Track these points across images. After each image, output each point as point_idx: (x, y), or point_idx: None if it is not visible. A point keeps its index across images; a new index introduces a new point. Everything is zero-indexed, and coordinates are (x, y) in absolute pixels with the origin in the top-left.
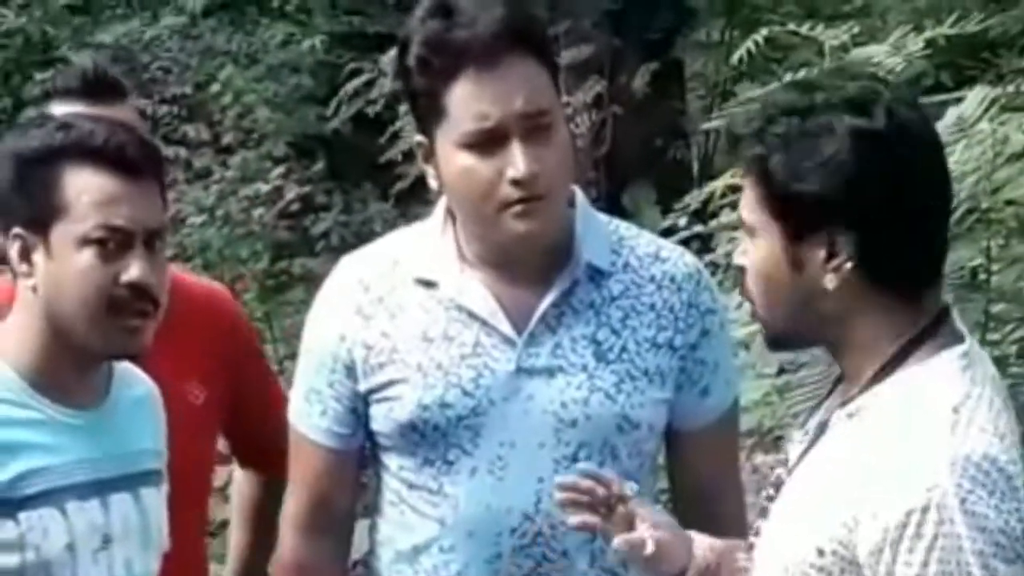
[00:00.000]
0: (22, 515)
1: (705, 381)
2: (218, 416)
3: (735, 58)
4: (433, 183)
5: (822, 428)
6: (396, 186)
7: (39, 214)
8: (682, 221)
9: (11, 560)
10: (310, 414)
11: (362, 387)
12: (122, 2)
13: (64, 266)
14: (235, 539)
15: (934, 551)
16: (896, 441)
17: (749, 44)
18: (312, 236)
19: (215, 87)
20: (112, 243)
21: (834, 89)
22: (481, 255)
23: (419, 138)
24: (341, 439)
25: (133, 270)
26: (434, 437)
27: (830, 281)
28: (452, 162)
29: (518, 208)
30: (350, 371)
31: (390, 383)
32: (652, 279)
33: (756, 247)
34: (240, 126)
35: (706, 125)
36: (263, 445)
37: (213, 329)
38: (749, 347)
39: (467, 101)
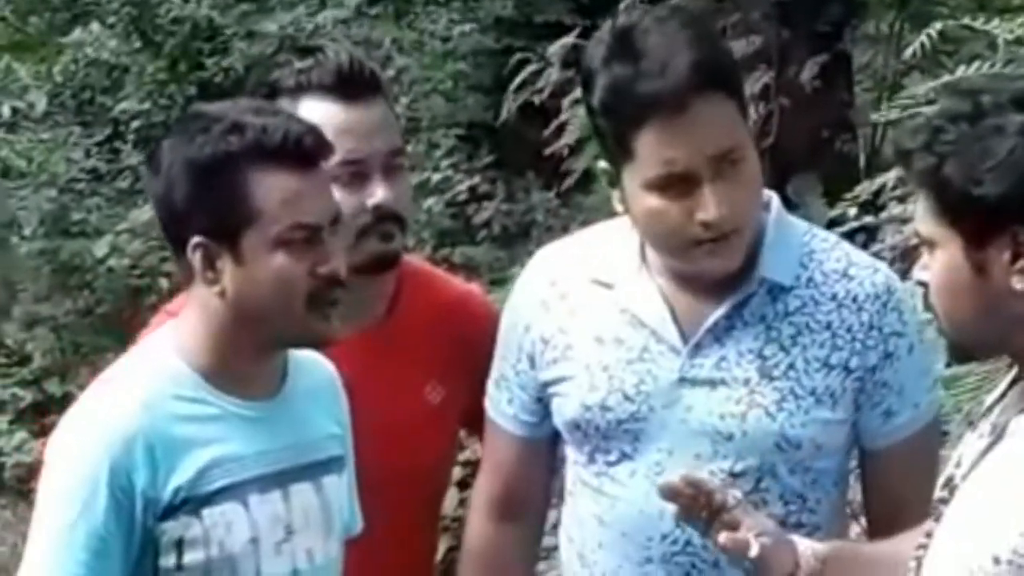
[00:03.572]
0: (205, 511)
1: (888, 403)
2: (456, 415)
3: (907, 53)
4: (618, 207)
5: (1000, 432)
6: (561, 180)
7: (225, 222)
8: (852, 211)
9: (197, 556)
10: (499, 400)
11: (541, 378)
12: None
13: (259, 269)
14: None
15: None
16: None
17: (923, 38)
18: (474, 224)
19: (386, 75)
20: (303, 240)
21: (996, 91)
22: (662, 263)
23: (604, 165)
24: (528, 427)
25: (329, 262)
26: (596, 437)
27: (1018, 282)
28: (640, 201)
29: (708, 247)
30: (532, 361)
31: (561, 379)
32: (834, 297)
33: (936, 260)
34: (410, 115)
35: (875, 116)
36: None
37: (461, 334)
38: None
39: (655, 147)
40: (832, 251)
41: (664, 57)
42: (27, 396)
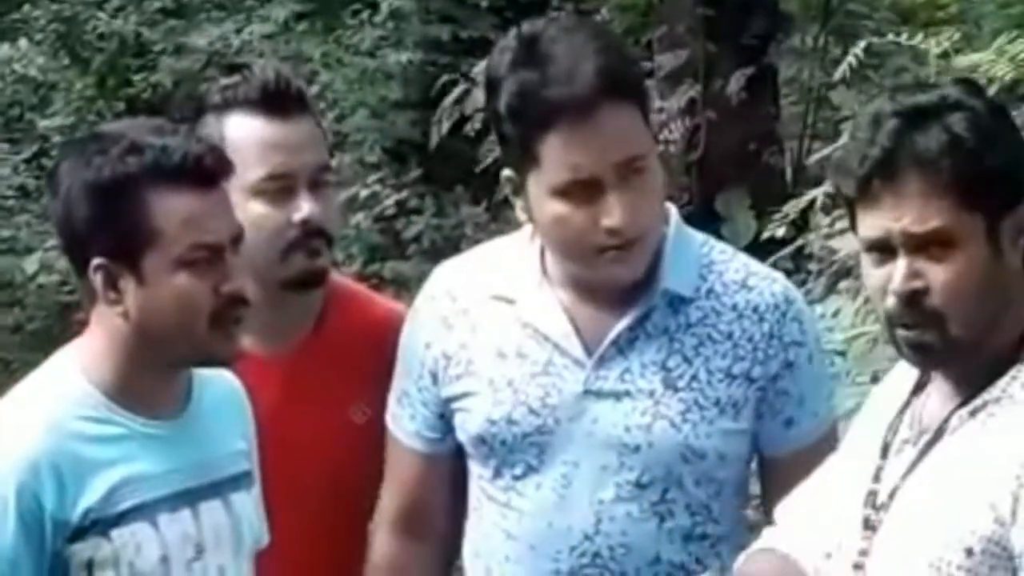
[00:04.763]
0: (115, 532)
1: (789, 412)
2: (383, 434)
3: (838, 72)
4: (522, 216)
5: (939, 431)
6: (491, 194)
7: (126, 244)
8: (780, 232)
9: None
10: (401, 416)
11: (443, 394)
12: (215, 5)
13: (160, 290)
14: None
15: None
16: None
17: (850, 57)
18: (404, 240)
19: (312, 91)
20: (205, 260)
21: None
22: (564, 275)
23: (508, 173)
24: (430, 443)
25: (231, 281)
26: (502, 451)
27: (1014, 258)
28: (544, 208)
29: (612, 254)
30: (435, 378)
31: (464, 395)
32: (734, 307)
33: (953, 257)
34: (335, 130)
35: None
36: None
37: (388, 352)
38: (846, 355)
39: (561, 152)
40: (731, 262)
41: (571, 64)
42: None
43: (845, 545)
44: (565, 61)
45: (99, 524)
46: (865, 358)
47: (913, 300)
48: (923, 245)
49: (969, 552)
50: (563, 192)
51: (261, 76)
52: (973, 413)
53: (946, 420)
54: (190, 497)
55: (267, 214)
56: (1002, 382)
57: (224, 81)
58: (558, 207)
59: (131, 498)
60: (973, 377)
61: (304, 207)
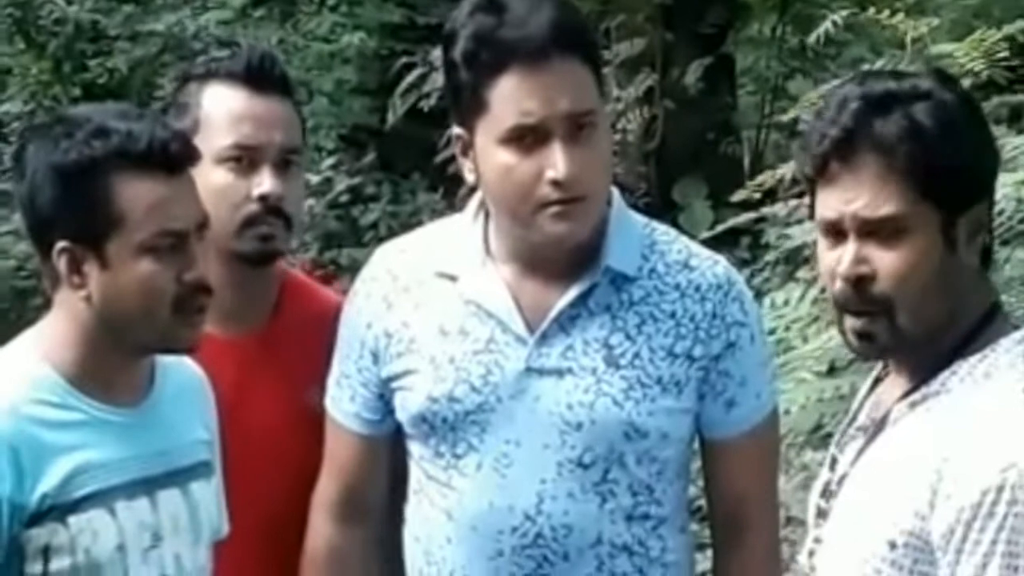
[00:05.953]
0: (72, 518)
1: (730, 393)
2: None
3: (812, 38)
4: (469, 177)
5: (880, 423)
6: (447, 181)
7: (90, 228)
8: (740, 218)
9: (63, 563)
10: (340, 399)
11: (383, 374)
12: None
13: (124, 275)
14: None
15: (1003, 530)
16: (968, 424)
17: (812, 37)
18: (361, 226)
19: None
20: (169, 246)
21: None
22: (507, 251)
23: (458, 131)
24: (370, 424)
25: (195, 269)
26: (443, 430)
27: (972, 257)
28: (491, 158)
29: (555, 209)
30: (375, 357)
31: (405, 373)
32: (677, 287)
33: (904, 244)
34: None
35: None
36: None
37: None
38: (805, 341)
39: (511, 97)
40: (673, 243)
41: (527, 12)
42: None
43: (810, 534)
44: (521, 9)
45: (56, 510)
46: (822, 347)
47: (859, 285)
48: (874, 231)
49: (892, 545)
50: (510, 139)
51: (248, 52)
52: (912, 406)
53: (888, 411)
54: (148, 485)
55: (229, 184)
56: (943, 375)
57: (213, 53)
58: (504, 156)
59: (89, 484)
60: (922, 370)
61: (265, 183)
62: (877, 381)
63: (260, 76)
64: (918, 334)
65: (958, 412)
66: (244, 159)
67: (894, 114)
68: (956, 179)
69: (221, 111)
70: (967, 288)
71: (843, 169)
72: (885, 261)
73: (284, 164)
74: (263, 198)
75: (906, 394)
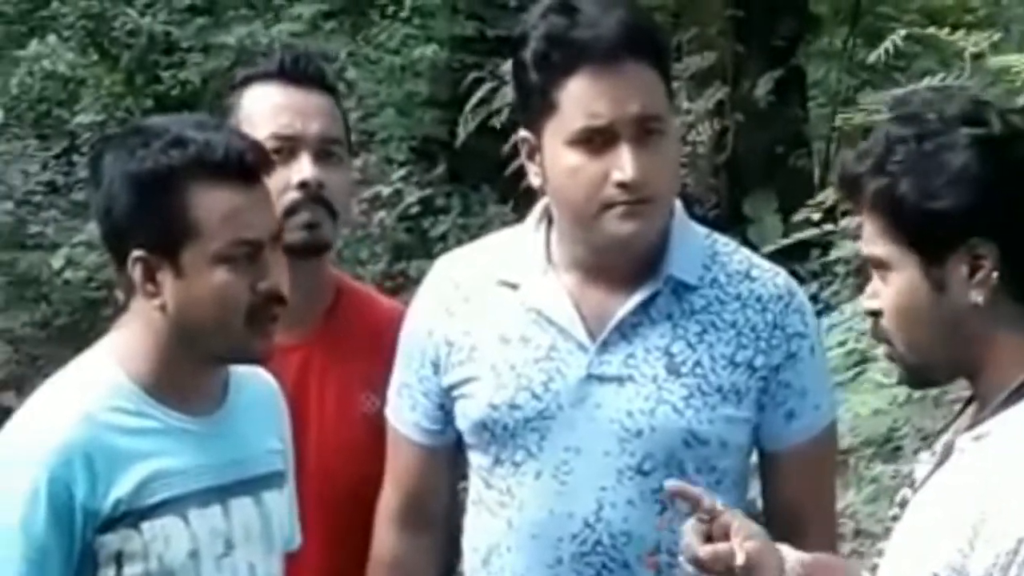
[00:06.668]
0: (145, 525)
1: (790, 404)
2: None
3: (872, 56)
4: (535, 180)
5: (948, 451)
6: (517, 193)
7: (165, 237)
8: (810, 232)
9: (136, 570)
10: (401, 408)
11: (444, 383)
12: (244, 3)
13: (199, 284)
14: None
15: None
16: (1016, 468)
17: (879, 51)
18: (430, 238)
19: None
20: (244, 255)
21: (940, 110)
22: (569, 258)
23: (524, 134)
24: (431, 435)
25: (269, 278)
26: (503, 437)
27: (976, 295)
28: (558, 159)
29: (620, 209)
30: (436, 366)
31: (466, 381)
32: (738, 297)
33: (891, 282)
34: (362, 129)
35: (838, 122)
36: None
37: (391, 344)
38: (870, 358)
39: (581, 98)
40: (734, 254)
41: (599, 14)
42: None
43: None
44: (594, 11)
45: (129, 516)
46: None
47: (874, 316)
48: (875, 267)
49: None
50: (578, 141)
51: (282, 52)
52: (977, 439)
53: (954, 441)
54: (221, 493)
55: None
56: (1007, 413)
57: (243, 71)
58: (572, 157)
59: (162, 491)
60: (989, 404)
61: (305, 169)
62: (969, 402)
63: (295, 71)
64: (916, 365)
65: (1009, 453)
66: (283, 149)
67: (883, 171)
68: (931, 222)
69: (259, 107)
70: (973, 326)
71: (855, 208)
72: (880, 296)
73: (325, 154)
74: (303, 184)
75: (972, 426)
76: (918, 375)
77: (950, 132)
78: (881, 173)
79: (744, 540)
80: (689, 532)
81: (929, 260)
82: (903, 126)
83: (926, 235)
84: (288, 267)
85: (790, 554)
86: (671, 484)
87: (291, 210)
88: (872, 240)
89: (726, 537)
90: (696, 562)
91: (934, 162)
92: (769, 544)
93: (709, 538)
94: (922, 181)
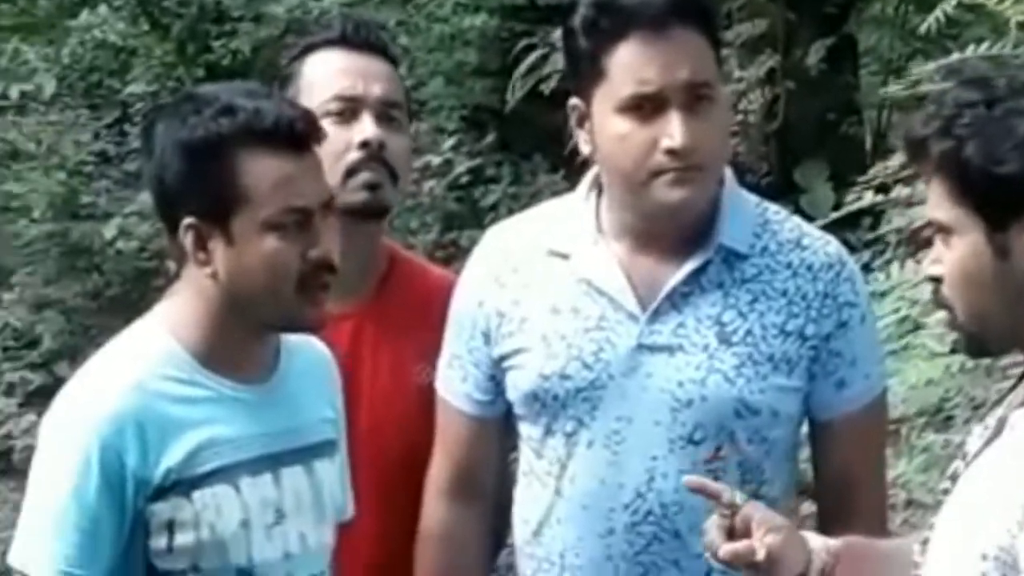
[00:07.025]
0: (196, 494)
1: (841, 373)
2: None
3: (924, 26)
4: (585, 148)
5: (1001, 426)
6: (568, 162)
7: (216, 204)
8: (866, 196)
9: (187, 538)
10: (452, 379)
11: (495, 354)
12: None
13: (249, 252)
14: None
15: None
16: None
17: (930, 19)
18: (481, 208)
19: None
20: (294, 223)
21: (1009, 76)
22: (619, 227)
23: (574, 101)
24: (481, 406)
25: (320, 246)
26: (554, 407)
27: None
28: (608, 126)
29: (670, 176)
30: (487, 337)
31: (517, 351)
32: (789, 265)
33: (954, 247)
34: (413, 98)
35: (883, 92)
36: None
37: (442, 315)
38: (922, 326)
39: (630, 65)
40: (784, 223)
41: None
42: (36, 379)
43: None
44: None
45: (181, 484)
46: (944, 329)
47: (935, 282)
48: (939, 231)
49: (984, 556)
50: (628, 108)
51: (342, 20)
52: None
53: (1008, 416)
54: (272, 462)
55: (332, 135)
56: None
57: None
58: (621, 124)
59: (214, 460)
60: None
61: (368, 129)
62: (1022, 379)
63: (356, 37)
64: (976, 333)
65: None
66: (346, 111)
67: (948, 135)
68: (996, 186)
69: (321, 72)
70: None
71: (921, 171)
72: (943, 262)
73: (387, 118)
74: (365, 144)
75: None
76: (977, 343)
77: (1019, 98)
78: (948, 136)
79: (766, 534)
80: (711, 528)
81: (993, 226)
82: (971, 90)
83: (991, 199)
84: (345, 232)
85: (816, 542)
86: (689, 480)
87: (352, 170)
88: (937, 204)
89: (749, 530)
90: (718, 560)
91: (1002, 127)
92: (793, 535)
93: (732, 532)
94: (989, 145)
